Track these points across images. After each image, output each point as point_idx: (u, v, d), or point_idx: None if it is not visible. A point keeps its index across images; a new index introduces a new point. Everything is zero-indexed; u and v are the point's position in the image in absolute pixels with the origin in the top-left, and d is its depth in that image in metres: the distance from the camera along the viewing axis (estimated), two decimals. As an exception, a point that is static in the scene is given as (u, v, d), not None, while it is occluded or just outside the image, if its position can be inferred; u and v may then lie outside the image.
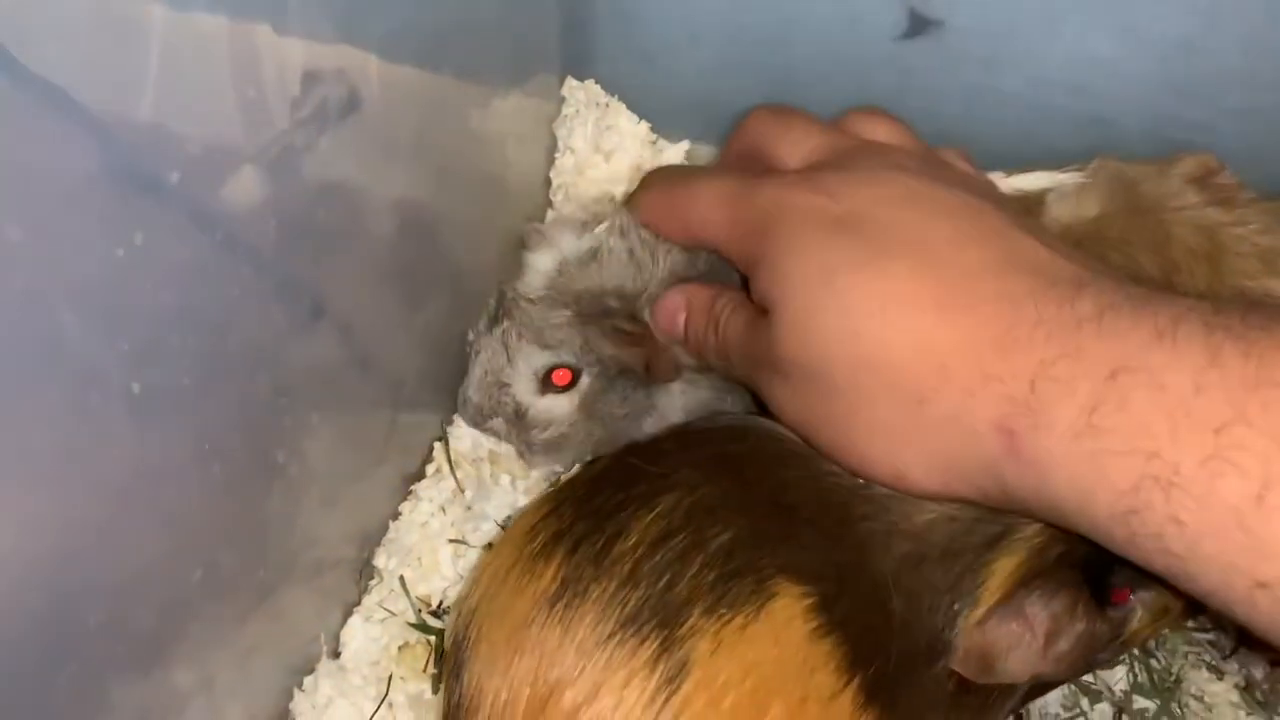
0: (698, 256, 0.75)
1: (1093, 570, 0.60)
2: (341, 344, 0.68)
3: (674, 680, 0.53)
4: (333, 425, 0.69)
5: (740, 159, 0.74)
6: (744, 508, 0.58)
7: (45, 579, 0.47)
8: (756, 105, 0.75)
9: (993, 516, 0.60)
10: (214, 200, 0.52)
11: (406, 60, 0.68)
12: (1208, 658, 0.80)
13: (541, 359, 0.76)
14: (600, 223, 0.78)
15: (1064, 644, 0.59)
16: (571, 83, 0.98)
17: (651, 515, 0.57)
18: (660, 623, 0.54)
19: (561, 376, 0.76)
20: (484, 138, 0.85)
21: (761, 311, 0.64)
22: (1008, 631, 0.58)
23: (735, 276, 0.71)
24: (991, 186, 0.72)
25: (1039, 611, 0.59)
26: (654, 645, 0.53)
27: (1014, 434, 0.51)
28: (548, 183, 0.97)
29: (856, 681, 0.56)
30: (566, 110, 0.97)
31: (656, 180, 0.77)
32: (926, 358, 0.54)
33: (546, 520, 0.60)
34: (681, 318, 0.73)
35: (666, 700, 0.53)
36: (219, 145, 0.52)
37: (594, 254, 0.76)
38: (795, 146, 0.70)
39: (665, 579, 0.55)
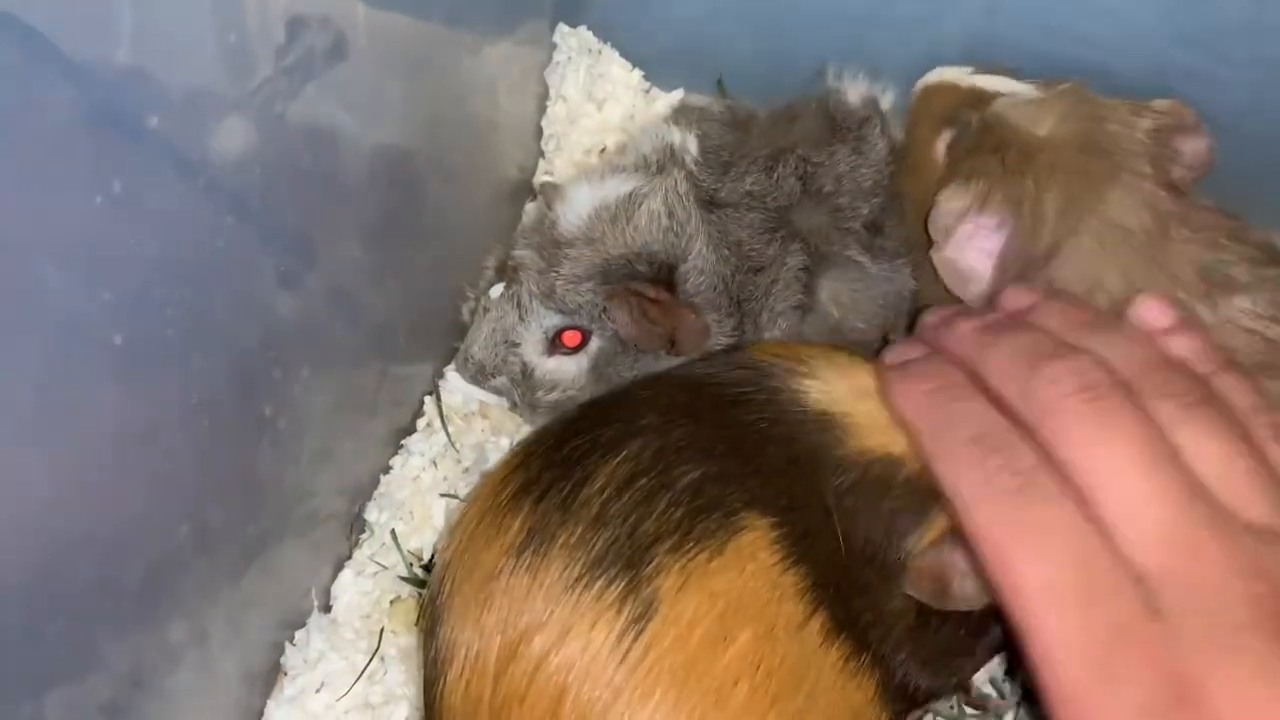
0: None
1: None
2: (330, 296, 0.67)
3: (641, 619, 0.53)
4: (322, 378, 0.68)
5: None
6: (708, 448, 0.59)
7: (32, 534, 0.46)
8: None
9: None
10: (196, 148, 0.51)
11: (394, 6, 0.67)
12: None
13: (553, 320, 0.75)
14: (618, 172, 0.77)
15: None
16: (563, 29, 0.96)
17: (619, 459, 0.58)
18: (627, 563, 0.54)
19: (571, 338, 0.75)
20: (474, 86, 0.84)
21: None
22: (961, 556, 0.57)
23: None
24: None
25: None
26: (621, 586, 0.54)
27: None
28: (539, 132, 0.96)
29: (823, 610, 0.57)
30: (558, 58, 0.96)
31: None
32: None
33: (515, 473, 0.61)
34: None
35: (635, 639, 0.53)
36: (200, 92, 0.50)
37: (628, 210, 0.74)
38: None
39: (632, 519, 0.55)
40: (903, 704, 0.63)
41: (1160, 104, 0.73)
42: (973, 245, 0.70)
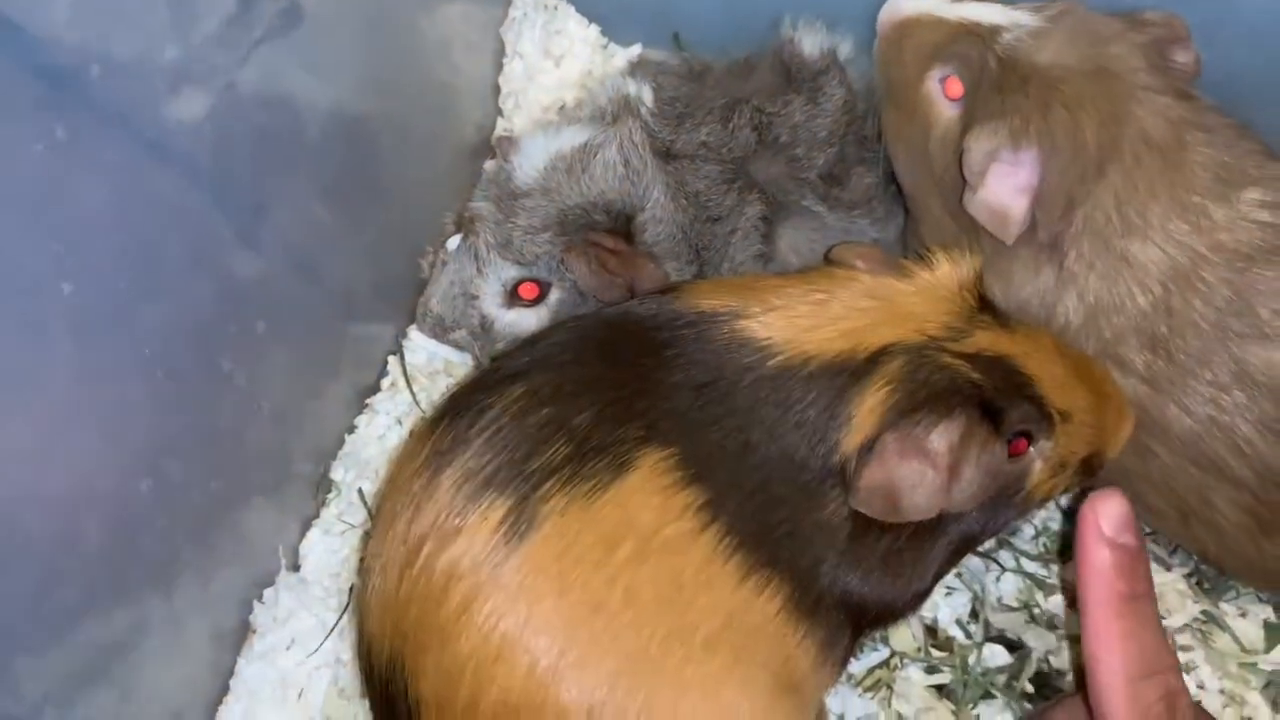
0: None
1: (986, 412, 0.60)
2: (287, 254, 0.67)
3: (524, 531, 0.56)
4: (281, 336, 0.68)
5: None
6: (612, 386, 0.60)
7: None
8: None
9: (851, 353, 0.60)
10: (145, 103, 0.51)
11: (345, -38, 0.66)
12: (1156, 550, 0.81)
13: (511, 272, 0.75)
14: (573, 123, 0.77)
15: (967, 475, 0.59)
16: (518, -15, 0.96)
17: (520, 389, 0.60)
18: (516, 488, 0.57)
19: (529, 290, 0.75)
20: (429, 45, 0.83)
21: None
22: (910, 469, 0.58)
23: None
24: None
25: (939, 443, 0.58)
26: (508, 505, 0.56)
27: None
28: (497, 90, 0.95)
29: (719, 524, 0.58)
30: (513, 14, 0.95)
31: None
32: None
33: (441, 404, 0.64)
34: None
35: (518, 544, 0.56)
36: (148, 50, 0.50)
37: (584, 160, 0.74)
38: None
39: (524, 449, 0.57)
40: (850, 617, 0.63)
41: (1153, 15, 0.73)
42: (1007, 184, 0.70)
